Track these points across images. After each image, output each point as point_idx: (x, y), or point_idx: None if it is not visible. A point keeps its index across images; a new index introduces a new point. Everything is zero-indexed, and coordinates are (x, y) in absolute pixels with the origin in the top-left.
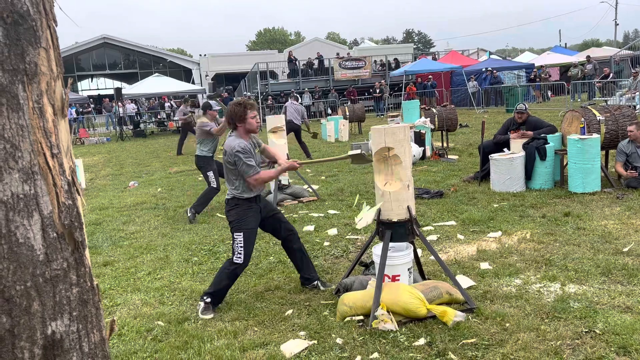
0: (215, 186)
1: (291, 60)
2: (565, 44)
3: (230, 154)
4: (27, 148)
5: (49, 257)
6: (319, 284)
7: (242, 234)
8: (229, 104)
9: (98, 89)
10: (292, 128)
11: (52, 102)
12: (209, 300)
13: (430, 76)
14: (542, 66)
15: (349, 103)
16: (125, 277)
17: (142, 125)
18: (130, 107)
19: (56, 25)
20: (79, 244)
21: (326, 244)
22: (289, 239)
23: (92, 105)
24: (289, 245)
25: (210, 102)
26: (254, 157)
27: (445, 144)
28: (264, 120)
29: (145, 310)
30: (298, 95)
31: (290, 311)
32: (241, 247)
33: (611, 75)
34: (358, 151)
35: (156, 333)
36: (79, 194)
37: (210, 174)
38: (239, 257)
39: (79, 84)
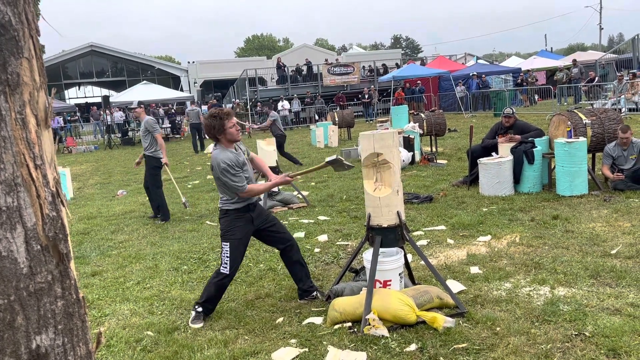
0: None
1: (280, 67)
2: (552, 48)
3: (216, 170)
4: (10, 160)
5: (33, 270)
6: (318, 294)
7: (228, 244)
8: (204, 117)
9: (85, 97)
10: (280, 140)
11: (35, 112)
12: (200, 309)
13: (418, 81)
14: (528, 70)
15: (338, 109)
16: (114, 287)
17: (130, 133)
18: (118, 115)
19: (39, 35)
20: (64, 256)
21: (316, 250)
22: (287, 250)
23: (78, 114)
24: (288, 257)
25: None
26: (241, 167)
27: (434, 149)
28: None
29: (134, 320)
30: (276, 104)
31: (281, 319)
32: (227, 257)
33: (597, 78)
34: (334, 157)
35: (145, 343)
36: (64, 206)
37: None
38: (225, 267)
39: (66, 92)
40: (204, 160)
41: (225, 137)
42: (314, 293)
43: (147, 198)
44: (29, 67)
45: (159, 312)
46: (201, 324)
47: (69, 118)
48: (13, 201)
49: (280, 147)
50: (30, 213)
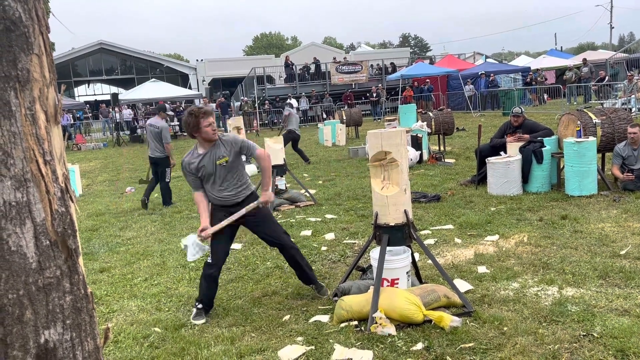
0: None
1: (288, 65)
2: (561, 47)
3: (232, 142)
4: (20, 155)
5: (42, 265)
6: (314, 288)
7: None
8: (183, 114)
9: (95, 94)
10: (294, 137)
11: (44, 108)
12: (200, 306)
13: (427, 80)
14: (538, 69)
15: (345, 107)
16: (122, 284)
17: (138, 131)
18: (127, 113)
19: (49, 32)
20: (73, 251)
21: (324, 248)
22: (281, 251)
23: (89, 112)
24: (285, 254)
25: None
26: (194, 173)
27: (442, 148)
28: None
29: (141, 316)
30: (295, 101)
31: (287, 317)
32: (209, 247)
33: (607, 78)
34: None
35: (153, 340)
36: (73, 201)
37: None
38: (209, 257)
39: (75, 89)
40: None
41: (200, 135)
42: (311, 286)
43: (146, 186)
44: (39, 64)
45: (167, 309)
46: (203, 320)
47: (78, 116)
48: (22, 196)
49: (294, 143)
50: (39, 208)
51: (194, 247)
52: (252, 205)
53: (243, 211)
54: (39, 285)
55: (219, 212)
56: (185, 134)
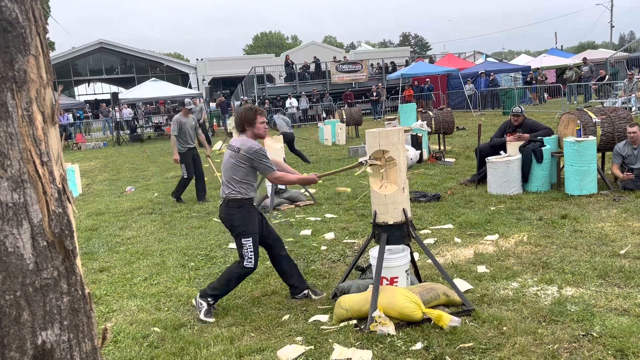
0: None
1: (288, 64)
2: (562, 46)
3: (246, 153)
4: (16, 156)
5: (39, 266)
6: (310, 293)
7: (250, 238)
8: (239, 108)
9: (95, 93)
10: (288, 139)
11: (41, 109)
12: (212, 302)
13: (427, 79)
14: (538, 68)
15: (345, 106)
16: (122, 283)
17: (139, 130)
18: (127, 112)
19: (46, 33)
20: (70, 252)
21: (323, 248)
22: (274, 247)
23: (89, 112)
24: (277, 253)
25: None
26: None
27: (442, 147)
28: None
29: (141, 316)
30: (281, 109)
31: (287, 316)
32: (251, 252)
33: (607, 77)
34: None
35: (152, 339)
36: (70, 202)
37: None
38: (250, 262)
39: (75, 88)
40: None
41: (253, 130)
42: (306, 291)
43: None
44: (36, 64)
45: (166, 309)
46: (213, 319)
47: (78, 115)
48: (19, 197)
49: (290, 144)
50: (36, 209)
51: None
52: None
53: (343, 168)
54: (36, 286)
55: (255, 215)
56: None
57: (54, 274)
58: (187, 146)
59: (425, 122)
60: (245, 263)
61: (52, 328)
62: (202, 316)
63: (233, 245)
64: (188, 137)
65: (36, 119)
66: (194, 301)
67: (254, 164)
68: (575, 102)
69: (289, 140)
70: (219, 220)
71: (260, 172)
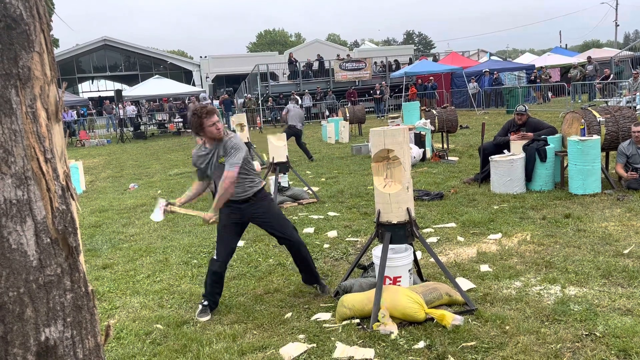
0: None
1: (291, 62)
2: (566, 45)
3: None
4: (20, 153)
5: (43, 262)
6: (318, 289)
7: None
8: (186, 110)
9: (99, 90)
10: (294, 133)
11: (45, 106)
12: (205, 302)
13: (431, 77)
14: (542, 67)
15: (349, 104)
16: (125, 280)
17: (142, 127)
18: (131, 109)
19: (50, 30)
20: (73, 249)
21: (326, 246)
22: (288, 247)
23: (93, 109)
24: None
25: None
26: (200, 165)
27: (445, 146)
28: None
29: (144, 313)
30: (299, 98)
31: (289, 314)
32: (216, 242)
33: (612, 76)
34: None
35: (155, 336)
36: (74, 199)
37: None
38: (214, 253)
39: (79, 85)
40: None
41: (205, 134)
42: (316, 285)
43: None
44: (40, 61)
45: (169, 306)
46: (208, 317)
47: (82, 112)
48: (23, 194)
49: (297, 138)
50: (40, 206)
51: (158, 211)
52: (192, 212)
53: (189, 212)
54: (39, 283)
55: (226, 208)
56: (189, 130)
57: (58, 271)
58: None
59: (429, 120)
60: (214, 255)
61: (55, 325)
62: (196, 316)
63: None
64: None
65: (40, 116)
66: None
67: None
68: (579, 101)
69: (296, 135)
70: None
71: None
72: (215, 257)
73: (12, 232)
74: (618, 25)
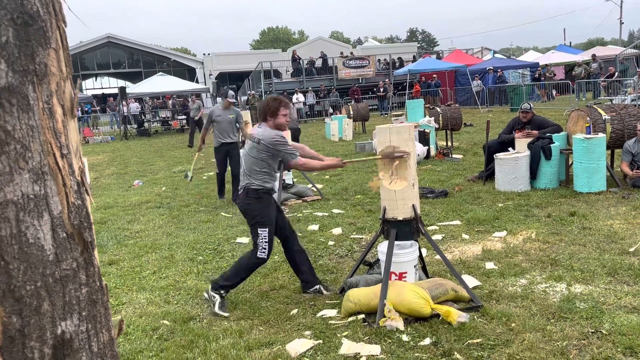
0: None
1: (295, 59)
2: (570, 42)
3: (267, 143)
4: (37, 148)
5: (59, 257)
6: (321, 289)
7: (267, 229)
8: (265, 98)
9: (102, 88)
10: (292, 132)
11: (61, 102)
12: (224, 293)
13: (434, 75)
14: (546, 65)
15: (352, 102)
16: (131, 276)
17: (146, 124)
18: (134, 106)
19: (65, 26)
20: (88, 244)
21: (330, 243)
22: (290, 239)
23: (96, 106)
24: (291, 247)
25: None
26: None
27: (449, 143)
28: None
29: (150, 309)
30: (290, 97)
31: (295, 310)
32: (266, 242)
33: (616, 74)
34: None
35: (162, 332)
36: (88, 194)
37: None
38: (264, 252)
39: (83, 83)
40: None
41: (274, 120)
42: (317, 287)
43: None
44: (56, 58)
45: (175, 302)
46: (228, 313)
47: (86, 109)
48: (40, 189)
49: (294, 138)
50: (56, 201)
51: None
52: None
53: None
54: (56, 277)
55: (272, 203)
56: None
57: (73, 265)
58: (220, 140)
59: (433, 118)
60: (259, 253)
61: (71, 318)
62: (216, 309)
63: (241, 239)
64: (223, 131)
65: (56, 111)
66: (205, 294)
67: (276, 152)
68: (583, 99)
69: (292, 134)
70: (227, 215)
71: (284, 161)
72: (266, 257)
73: (30, 227)
74: (623, 22)
